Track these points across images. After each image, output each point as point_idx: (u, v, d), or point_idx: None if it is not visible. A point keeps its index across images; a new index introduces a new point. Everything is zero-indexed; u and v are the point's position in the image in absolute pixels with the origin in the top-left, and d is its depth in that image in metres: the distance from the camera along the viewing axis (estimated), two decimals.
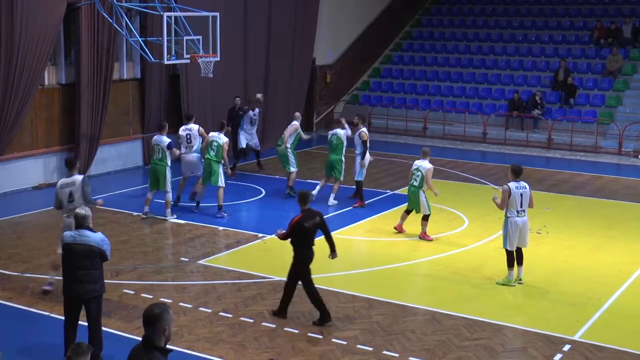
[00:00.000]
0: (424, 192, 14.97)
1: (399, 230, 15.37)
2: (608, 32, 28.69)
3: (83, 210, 9.36)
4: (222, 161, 16.33)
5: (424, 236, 15.05)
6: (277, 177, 20.16)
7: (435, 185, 15.38)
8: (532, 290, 12.49)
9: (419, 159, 15.25)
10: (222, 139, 16.38)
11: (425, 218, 15.06)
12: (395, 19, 32.12)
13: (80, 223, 9.23)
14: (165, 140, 15.87)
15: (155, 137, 16.22)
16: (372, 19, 30.95)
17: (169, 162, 15.83)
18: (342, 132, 17.43)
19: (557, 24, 30.58)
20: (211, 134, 16.62)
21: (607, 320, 11.29)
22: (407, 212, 15.33)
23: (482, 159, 23.93)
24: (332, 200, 17.39)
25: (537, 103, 26.34)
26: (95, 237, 9.24)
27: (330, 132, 17.68)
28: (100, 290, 9.34)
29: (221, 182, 16.24)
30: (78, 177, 11.74)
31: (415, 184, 15.02)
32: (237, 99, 21.44)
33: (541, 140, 25.82)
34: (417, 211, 15.13)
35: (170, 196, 16.20)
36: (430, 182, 14.97)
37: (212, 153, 16.26)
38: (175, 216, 16.23)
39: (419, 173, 14.97)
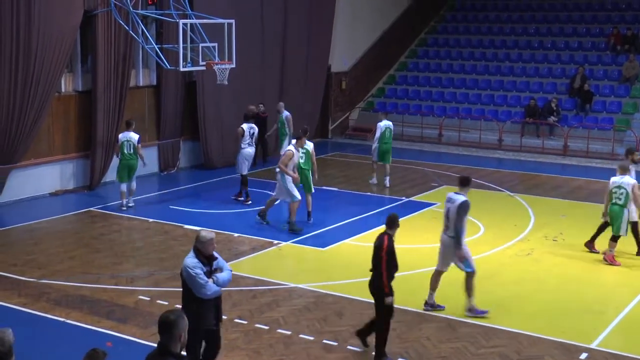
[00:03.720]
0: (628, 210, 13.74)
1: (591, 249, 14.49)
2: (625, 38, 28.54)
3: (205, 231, 8.46)
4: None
5: (611, 260, 13.86)
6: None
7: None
8: (548, 297, 12.42)
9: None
10: (310, 145, 16.25)
11: (615, 239, 13.90)
12: (410, 25, 32.11)
13: (196, 241, 8.39)
14: (135, 136, 17.14)
15: (123, 134, 17.26)
16: (387, 26, 30.94)
17: (138, 157, 17.17)
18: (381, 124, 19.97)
19: (573, 31, 30.46)
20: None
21: (624, 328, 11.20)
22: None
23: (497, 165, 23.85)
24: (388, 182, 20.02)
25: (553, 110, 26.22)
26: (185, 261, 8.31)
27: (385, 125, 19.93)
28: (192, 323, 8.25)
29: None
30: (460, 198, 11.14)
31: (620, 202, 13.72)
32: (261, 105, 21.96)
33: (557, 147, 25.70)
34: (613, 230, 13.90)
35: (134, 185, 17.39)
36: (639, 199, 13.62)
37: (301, 161, 16.03)
38: (133, 204, 17.47)
39: (623, 190, 13.72)
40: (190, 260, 8.24)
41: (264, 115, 22.31)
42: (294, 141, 16.16)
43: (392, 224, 9.89)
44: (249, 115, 19.05)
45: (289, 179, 15.47)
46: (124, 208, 17.30)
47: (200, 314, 8.33)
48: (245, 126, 18.02)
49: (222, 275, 8.39)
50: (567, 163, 24.40)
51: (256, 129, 18.26)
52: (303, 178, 16.07)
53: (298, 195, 15.60)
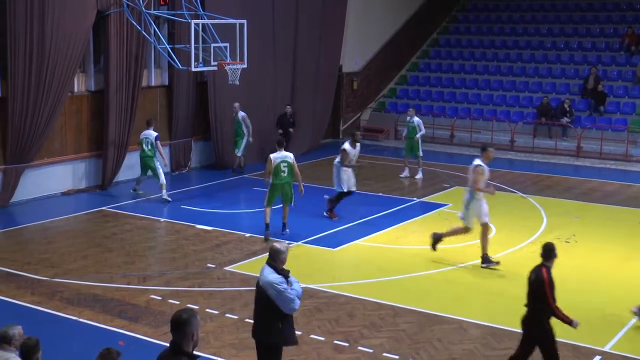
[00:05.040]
0: None
1: None
2: (639, 38, 28.39)
3: (278, 243, 8.29)
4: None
5: None
6: (303, 183, 20.11)
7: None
8: (561, 300, 12.32)
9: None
10: (290, 156, 15.05)
11: None
12: (422, 26, 32.04)
13: (270, 256, 8.19)
14: (153, 133, 18.23)
15: (143, 132, 18.46)
16: (399, 27, 30.89)
17: (155, 153, 18.18)
18: (416, 119, 21.36)
19: (586, 31, 30.33)
20: (279, 154, 14.95)
21: (638, 331, 11.12)
22: None
23: (509, 167, 23.76)
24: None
25: (566, 111, 26.11)
26: (266, 277, 8.02)
27: (408, 118, 21.53)
28: (276, 341, 8.20)
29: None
30: None
31: None
32: (288, 107, 22.17)
33: (570, 148, 25.59)
34: None
35: (163, 179, 18.28)
36: None
37: (283, 175, 14.92)
38: (167, 195, 18.24)
39: None
40: (274, 276, 7.95)
41: (290, 117, 22.52)
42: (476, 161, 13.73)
43: (549, 254, 9.15)
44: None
45: (482, 201, 13.68)
46: (135, 192, 18.82)
47: (285, 332, 8.12)
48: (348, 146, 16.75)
49: (297, 289, 8.10)
50: (580, 164, 24.29)
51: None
52: (282, 191, 15.03)
53: (488, 219, 13.78)
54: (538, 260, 14.18)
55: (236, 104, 21.06)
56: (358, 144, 16.89)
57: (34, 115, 17.30)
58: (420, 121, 21.62)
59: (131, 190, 18.86)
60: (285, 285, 7.92)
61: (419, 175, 21.29)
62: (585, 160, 24.71)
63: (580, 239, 15.57)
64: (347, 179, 16.58)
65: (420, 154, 21.31)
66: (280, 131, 22.59)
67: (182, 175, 21.52)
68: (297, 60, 24.75)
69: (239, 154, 21.40)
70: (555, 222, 16.62)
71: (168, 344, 5.64)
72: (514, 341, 10.51)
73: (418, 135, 21.10)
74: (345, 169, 16.52)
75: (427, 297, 12.31)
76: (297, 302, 8.05)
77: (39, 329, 10.63)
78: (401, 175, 21.55)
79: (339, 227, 16.16)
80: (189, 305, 11.46)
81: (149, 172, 18.44)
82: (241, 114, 21.08)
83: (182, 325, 5.51)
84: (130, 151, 19.85)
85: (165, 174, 20.96)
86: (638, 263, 14.25)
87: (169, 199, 18.19)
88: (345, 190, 16.61)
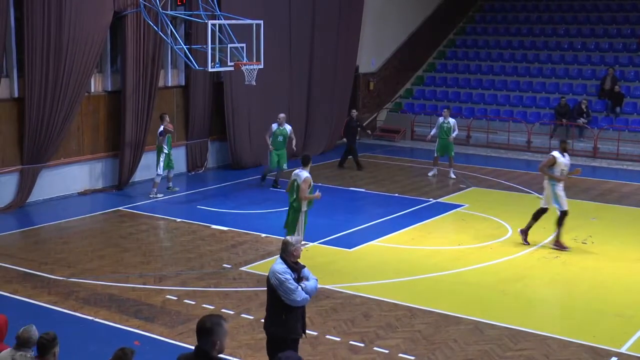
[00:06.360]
0: None
1: None
2: None
3: (290, 237, 8.41)
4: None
5: None
6: (319, 184, 20.13)
7: (483, 195, 15.13)
8: (577, 301, 12.30)
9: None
10: (302, 176, 13.27)
11: None
12: (439, 26, 31.97)
13: (281, 248, 8.28)
14: (160, 128, 18.48)
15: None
16: (415, 27, 30.84)
17: (165, 149, 18.45)
18: (452, 120, 21.51)
19: (603, 32, 30.14)
20: (295, 171, 13.67)
21: None
22: None
23: (526, 167, 23.65)
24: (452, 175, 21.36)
25: (583, 111, 25.96)
26: (272, 267, 8.16)
27: (442, 119, 21.48)
28: (279, 332, 8.18)
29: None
30: None
31: None
32: (354, 111, 22.68)
33: (587, 149, 25.44)
34: None
35: (158, 178, 18.50)
36: None
37: (293, 196, 13.58)
38: (161, 195, 18.56)
39: None
40: (279, 266, 8.08)
41: (357, 122, 22.77)
42: None
43: None
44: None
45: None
46: (169, 189, 19.14)
47: (289, 324, 8.19)
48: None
49: (309, 284, 8.20)
50: (597, 165, 24.14)
51: None
52: (290, 216, 13.66)
53: None
54: (554, 262, 14.16)
55: (282, 115, 19.63)
56: (567, 153, 15.22)
57: (51, 115, 17.40)
58: (455, 122, 21.75)
59: (166, 189, 19.01)
60: (288, 276, 7.97)
61: (452, 175, 21.39)
62: (602, 161, 24.56)
63: (597, 240, 15.49)
64: (562, 196, 14.95)
65: (453, 154, 21.59)
66: (345, 139, 22.40)
67: (198, 176, 21.56)
68: (313, 60, 24.73)
69: (285, 168, 19.63)
70: (572, 224, 16.49)
71: (184, 344, 5.66)
72: (530, 342, 10.48)
73: (453, 135, 21.32)
74: (559, 184, 14.93)
75: (442, 298, 12.27)
76: (301, 294, 8.03)
77: (55, 328, 10.65)
78: (429, 174, 21.64)
79: (354, 228, 16.15)
80: (204, 306, 11.47)
81: (169, 165, 18.73)
82: (289, 127, 19.70)
83: (205, 333, 5.54)
84: (146, 151, 19.91)
85: (180, 174, 21.15)
86: None
87: (157, 196, 18.54)
88: (565, 209, 14.89)
